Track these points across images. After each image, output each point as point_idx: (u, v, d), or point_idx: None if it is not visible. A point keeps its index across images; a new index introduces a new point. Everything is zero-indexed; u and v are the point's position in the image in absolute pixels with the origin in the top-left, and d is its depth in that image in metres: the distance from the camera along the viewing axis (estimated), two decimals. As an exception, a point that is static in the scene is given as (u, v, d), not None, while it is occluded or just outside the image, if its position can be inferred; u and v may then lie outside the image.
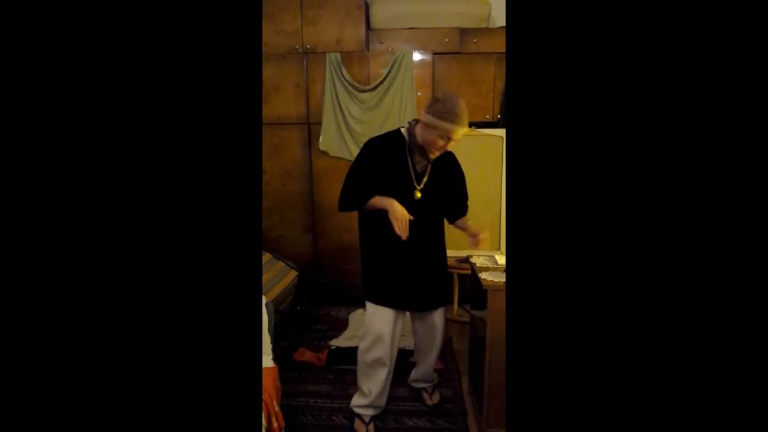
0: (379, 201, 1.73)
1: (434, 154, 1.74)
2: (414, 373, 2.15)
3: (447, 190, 1.86)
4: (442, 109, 1.63)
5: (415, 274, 1.83)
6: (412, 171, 1.78)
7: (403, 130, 1.82)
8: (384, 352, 1.85)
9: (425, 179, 1.79)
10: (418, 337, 2.02)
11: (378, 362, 1.87)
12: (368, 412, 1.94)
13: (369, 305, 1.87)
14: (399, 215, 1.67)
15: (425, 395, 2.14)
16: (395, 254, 1.80)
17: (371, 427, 1.93)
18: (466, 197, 1.96)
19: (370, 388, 1.90)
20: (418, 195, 1.77)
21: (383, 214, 1.70)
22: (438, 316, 1.95)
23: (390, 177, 1.76)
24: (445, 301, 1.98)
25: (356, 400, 1.96)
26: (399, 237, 1.67)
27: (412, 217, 1.68)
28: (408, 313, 1.95)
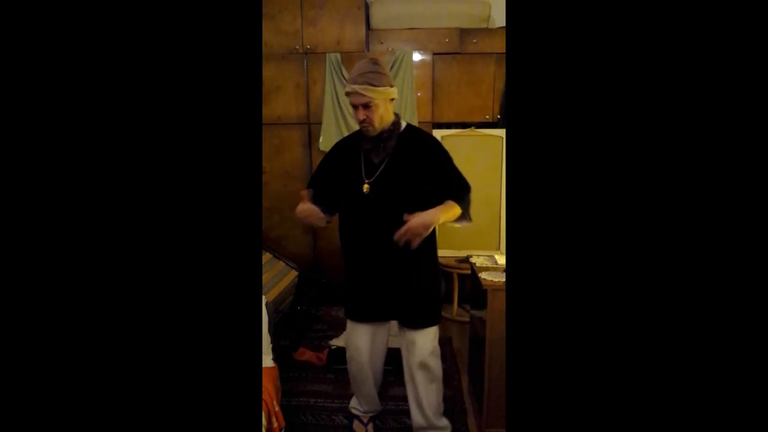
0: (299, 208, 1.60)
1: (367, 129, 1.54)
2: (412, 417, 1.79)
3: (413, 178, 1.57)
4: (351, 75, 1.53)
5: (377, 278, 1.62)
6: (363, 164, 1.61)
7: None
8: (360, 366, 1.78)
9: (379, 171, 1.59)
10: (408, 372, 1.73)
11: (358, 375, 1.83)
12: (366, 415, 1.95)
13: (347, 323, 1.79)
14: (298, 210, 1.57)
15: None
16: (355, 260, 1.66)
17: (370, 427, 1.93)
18: (449, 184, 1.62)
19: (360, 395, 1.91)
20: (366, 188, 1.58)
21: (343, 223, 1.65)
22: (421, 340, 1.64)
23: (343, 174, 1.65)
24: (428, 321, 1.65)
25: (353, 403, 1.98)
26: (355, 241, 1.59)
27: (311, 206, 1.55)
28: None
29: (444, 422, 1.80)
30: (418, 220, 1.44)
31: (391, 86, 1.53)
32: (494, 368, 1.81)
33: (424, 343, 1.67)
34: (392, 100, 1.56)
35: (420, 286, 1.65)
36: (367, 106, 1.49)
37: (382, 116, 1.53)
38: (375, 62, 1.53)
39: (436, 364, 1.70)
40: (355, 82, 1.49)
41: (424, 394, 1.71)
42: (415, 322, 1.66)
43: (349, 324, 1.77)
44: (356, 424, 1.94)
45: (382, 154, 1.60)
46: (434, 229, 1.58)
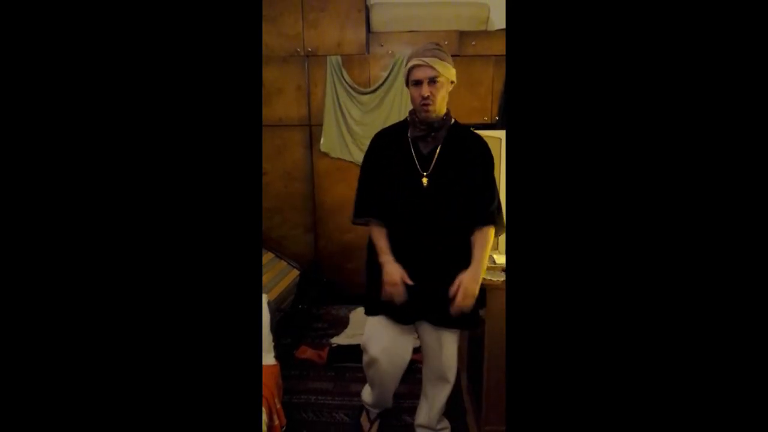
0: (379, 249, 1.48)
1: (426, 112, 1.41)
2: (417, 414, 1.79)
3: (468, 177, 1.44)
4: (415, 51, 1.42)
5: (426, 278, 1.46)
6: (415, 155, 1.46)
7: (408, 117, 1.54)
8: (381, 373, 1.63)
9: (433, 164, 1.45)
10: (424, 370, 1.68)
11: (377, 379, 1.69)
12: (374, 409, 1.89)
13: (368, 320, 1.61)
14: (390, 279, 1.41)
15: None
16: (403, 256, 1.47)
17: (375, 425, 1.88)
18: (491, 197, 1.47)
19: (374, 390, 1.82)
20: (425, 182, 1.43)
21: (398, 218, 1.48)
22: (447, 342, 1.56)
23: (393, 168, 1.48)
24: (460, 323, 1.54)
25: (364, 394, 1.88)
26: (402, 231, 1.44)
27: (410, 282, 1.40)
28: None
29: (444, 423, 1.82)
30: (463, 296, 1.37)
31: (453, 67, 1.42)
32: (493, 367, 1.82)
33: (452, 344, 1.59)
34: (452, 83, 1.44)
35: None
36: (432, 81, 1.37)
37: (444, 98, 1.42)
38: (439, 44, 1.43)
39: (455, 368, 1.66)
40: (422, 56, 1.36)
41: (438, 396, 1.69)
42: (449, 321, 1.51)
43: (375, 325, 1.57)
44: (363, 417, 1.90)
45: (431, 144, 1.47)
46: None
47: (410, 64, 1.40)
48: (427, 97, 1.38)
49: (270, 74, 3.03)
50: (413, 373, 2.36)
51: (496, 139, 3.04)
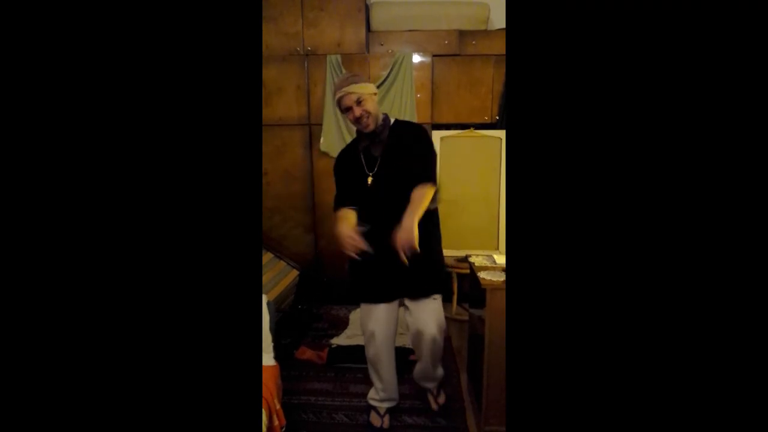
0: (340, 219, 1.70)
1: (367, 123, 1.68)
2: (415, 371, 2.04)
3: (410, 164, 1.69)
4: (336, 85, 1.71)
5: (389, 262, 1.62)
6: (363, 160, 1.77)
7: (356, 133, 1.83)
8: (377, 348, 1.87)
9: (378, 164, 1.73)
10: (411, 336, 1.89)
11: (376, 358, 1.90)
12: (383, 405, 1.98)
13: (362, 306, 1.88)
14: (339, 236, 1.62)
15: (430, 398, 2.07)
16: (369, 241, 1.63)
17: (386, 419, 1.98)
18: (421, 163, 1.70)
19: (378, 382, 1.96)
20: (369, 180, 1.74)
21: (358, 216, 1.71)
22: (427, 311, 1.79)
23: (348, 173, 1.80)
24: (433, 290, 1.79)
25: (370, 394, 2.02)
26: (367, 230, 1.62)
27: (358, 241, 1.59)
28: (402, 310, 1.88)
29: (439, 372, 2.01)
30: (402, 235, 1.53)
31: (366, 82, 1.70)
32: (493, 367, 1.83)
33: (431, 313, 1.79)
34: (374, 94, 1.72)
35: (427, 261, 1.73)
36: (359, 102, 1.66)
37: (374, 108, 1.69)
38: (351, 73, 1.82)
39: (432, 325, 1.79)
40: (340, 88, 1.67)
41: (424, 349, 1.86)
42: (422, 292, 1.78)
43: (363, 308, 1.87)
44: (373, 415, 1.99)
45: (380, 147, 1.75)
46: (434, 212, 1.76)
47: (337, 96, 1.69)
48: (360, 116, 1.68)
49: (270, 74, 3.04)
50: (412, 373, 2.36)
51: (496, 139, 3.04)
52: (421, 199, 1.61)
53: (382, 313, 1.83)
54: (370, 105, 1.68)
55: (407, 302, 1.81)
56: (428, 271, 1.77)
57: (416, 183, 1.64)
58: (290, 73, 3.05)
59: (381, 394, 1.96)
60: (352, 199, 1.76)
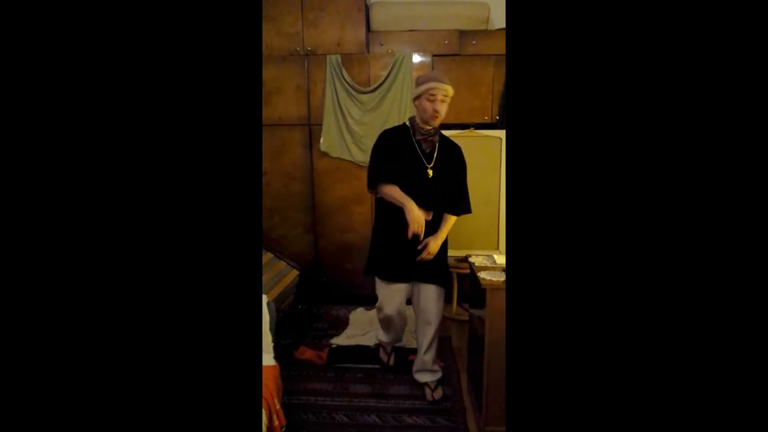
0: (399, 196, 1.91)
1: (433, 122, 1.92)
2: (414, 363, 2.23)
3: (449, 176, 2.01)
4: (419, 80, 1.93)
5: (413, 252, 1.98)
6: (420, 153, 1.97)
7: (407, 123, 2.04)
8: (389, 318, 2.14)
9: (434, 160, 1.98)
10: (416, 317, 2.15)
11: (386, 320, 2.18)
12: (390, 344, 2.37)
13: (376, 283, 2.11)
14: (416, 216, 1.87)
15: (427, 390, 2.18)
16: (402, 228, 1.92)
17: (392, 357, 2.36)
18: (462, 194, 2.05)
19: (387, 333, 2.29)
20: (430, 173, 1.96)
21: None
22: (433, 295, 2.06)
23: (402, 160, 1.96)
24: (441, 281, 2.07)
25: (379, 335, 2.34)
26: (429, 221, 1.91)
27: (429, 217, 1.91)
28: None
29: (437, 368, 2.21)
30: (432, 248, 1.96)
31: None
32: (493, 367, 1.83)
33: (432, 295, 2.07)
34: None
35: (441, 255, 2.06)
36: (444, 101, 1.88)
37: (444, 113, 1.93)
38: (443, 74, 2.04)
39: (435, 315, 2.09)
40: (441, 81, 1.87)
41: (425, 336, 2.12)
42: (431, 279, 2.06)
43: (381, 284, 2.10)
44: (381, 351, 2.36)
45: (429, 145, 1.99)
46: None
47: (429, 84, 1.86)
48: (437, 111, 1.89)
49: (269, 73, 3.03)
50: (412, 374, 2.37)
51: (497, 139, 3.04)
52: (448, 226, 2.03)
53: (397, 292, 2.08)
54: (446, 107, 1.91)
55: (416, 286, 2.08)
56: (438, 266, 2.06)
57: (452, 208, 2.01)
58: (290, 73, 3.05)
59: (389, 337, 2.30)
60: (397, 178, 1.94)
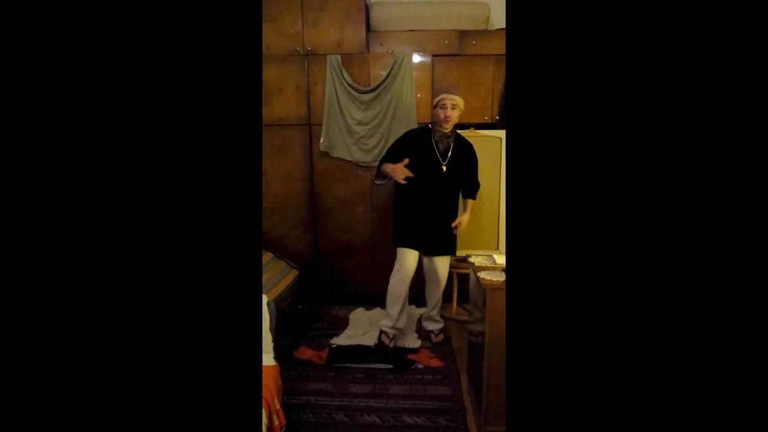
0: (387, 167, 2.46)
1: (446, 126, 2.39)
2: (423, 315, 2.81)
3: (464, 169, 2.51)
4: (436, 92, 2.47)
5: (433, 226, 2.50)
6: (437, 152, 2.46)
7: (429, 125, 2.54)
8: (404, 279, 2.57)
9: (448, 158, 2.46)
10: (427, 282, 2.70)
11: (400, 287, 2.57)
12: (392, 331, 2.62)
13: (398, 250, 2.59)
14: (392, 169, 2.41)
15: (432, 336, 2.73)
16: (422, 208, 2.49)
17: (393, 341, 2.64)
18: (476, 182, 2.58)
19: (394, 313, 2.58)
20: (444, 169, 2.45)
21: (413, 184, 2.41)
22: (443, 264, 2.61)
23: (420, 156, 2.45)
24: (450, 252, 2.62)
25: (383, 322, 2.64)
26: (424, 197, 2.44)
27: (407, 171, 2.38)
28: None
29: (440, 320, 2.77)
30: (464, 223, 2.49)
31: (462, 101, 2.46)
32: (493, 367, 1.83)
33: (444, 267, 2.63)
34: (461, 109, 2.42)
35: (451, 232, 2.53)
36: (453, 108, 2.36)
37: (455, 119, 2.40)
38: (454, 86, 2.54)
39: (443, 277, 2.64)
40: (450, 93, 2.37)
41: (433, 293, 2.69)
42: (444, 251, 2.60)
43: (400, 252, 2.59)
44: (383, 337, 2.62)
45: (445, 145, 2.47)
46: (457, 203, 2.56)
47: (442, 95, 2.38)
48: (447, 116, 2.37)
49: (269, 73, 3.03)
50: (412, 374, 2.37)
51: (497, 139, 3.04)
52: (471, 207, 2.58)
53: (414, 256, 2.57)
54: (456, 113, 2.38)
55: (432, 256, 2.59)
56: (446, 239, 2.55)
57: (472, 195, 2.58)
58: (290, 73, 3.05)
59: (390, 323, 2.61)
60: (413, 171, 2.40)
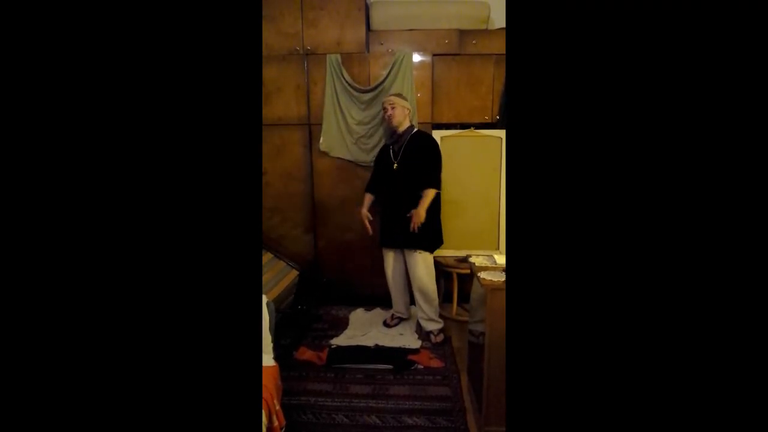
0: (363, 203, 2.79)
1: (390, 123, 2.66)
2: (418, 315, 2.84)
3: (414, 163, 2.62)
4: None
5: (392, 220, 2.67)
6: (391, 152, 2.71)
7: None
8: (390, 282, 2.85)
9: (400, 156, 2.66)
10: (413, 287, 2.81)
11: (390, 285, 2.87)
12: (397, 314, 2.92)
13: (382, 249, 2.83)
14: (359, 212, 2.77)
15: (431, 336, 2.74)
16: (382, 207, 2.78)
17: (394, 322, 2.90)
18: (428, 172, 2.60)
19: (395, 302, 2.90)
20: (395, 166, 2.66)
21: (384, 190, 2.74)
22: (416, 261, 2.67)
23: (380, 162, 2.77)
24: (419, 247, 2.66)
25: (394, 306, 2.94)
26: (387, 197, 2.71)
27: (370, 217, 2.74)
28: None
29: (439, 319, 2.79)
30: (416, 218, 2.54)
31: (406, 100, 2.69)
32: (493, 367, 1.83)
33: (419, 262, 2.67)
34: (406, 108, 2.66)
35: (422, 230, 2.58)
36: (393, 107, 2.61)
37: (398, 116, 2.62)
38: (398, 94, 2.72)
39: (428, 280, 2.71)
40: (388, 95, 2.70)
41: (416, 293, 2.76)
42: (411, 245, 2.66)
43: (386, 254, 2.82)
44: (389, 318, 2.94)
45: (399, 144, 2.66)
46: (437, 199, 2.63)
47: (383, 101, 2.69)
48: (390, 116, 2.64)
49: (269, 73, 3.03)
50: (412, 374, 2.36)
51: (497, 139, 3.04)
52: (427, 197, 2.57)
53: (388, 255, 2.80)
54: (397, 112, 2.62)
55: (408, 256, 2.71)
56: (420, 236, 2.59)
57: (425, 185, 2.57)
58: (290, 73, 3.05)
59: (395, 308, 2.92)
60: (378, 183, 2.77)
